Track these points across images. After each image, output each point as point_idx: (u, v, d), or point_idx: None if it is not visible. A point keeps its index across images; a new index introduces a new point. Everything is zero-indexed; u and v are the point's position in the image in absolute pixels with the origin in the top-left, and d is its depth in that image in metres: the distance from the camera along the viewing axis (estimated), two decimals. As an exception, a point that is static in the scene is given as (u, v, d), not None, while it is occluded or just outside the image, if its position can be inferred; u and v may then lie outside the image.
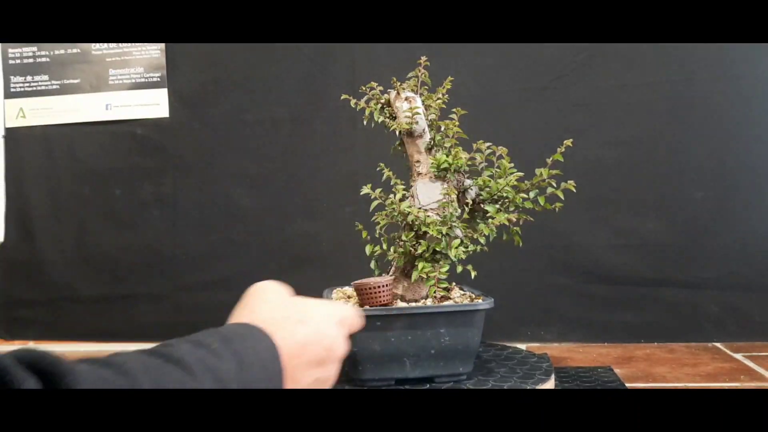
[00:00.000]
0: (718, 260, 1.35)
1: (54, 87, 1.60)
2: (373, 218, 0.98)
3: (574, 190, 0.92)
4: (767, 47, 1.34)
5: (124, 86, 1.57)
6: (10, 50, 1.61)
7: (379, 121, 1.00)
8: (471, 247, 0.93)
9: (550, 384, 0.90)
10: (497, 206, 0.95)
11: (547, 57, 1.40)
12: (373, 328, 0.85)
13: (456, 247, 0.91)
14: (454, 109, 0.98)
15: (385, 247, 0.99)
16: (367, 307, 0.89)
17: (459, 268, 0.92)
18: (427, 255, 0.92)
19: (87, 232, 1.55)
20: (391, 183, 0.99)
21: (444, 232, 0.91)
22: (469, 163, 0.96)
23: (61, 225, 1.58)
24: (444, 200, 0.94)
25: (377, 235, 1.00)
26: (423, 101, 1.00)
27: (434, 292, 0.91)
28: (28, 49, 1.60)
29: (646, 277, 1.38)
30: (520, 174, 0.95)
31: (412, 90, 1.01)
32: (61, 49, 1.59)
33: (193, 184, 1.52)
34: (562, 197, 0.93)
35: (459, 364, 0.88)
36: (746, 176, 1.35)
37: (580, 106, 1.40)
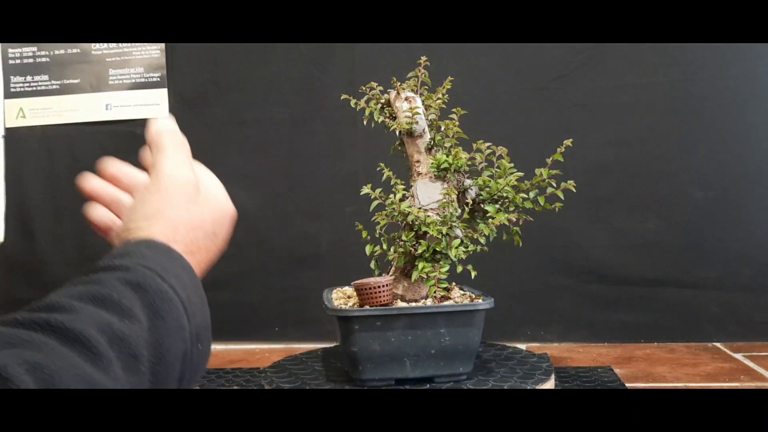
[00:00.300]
0: (718, 260, 1.35)
1: (54, 87, 1.60)
2: (373, 218, 0.98)
3: (574, 190, 0.93)
4: (767, 47, 1.34)
5: (124, 86, 1.57)
6: (10, 50, 1.61)
7: (379, 121, 1.00)
8: (471, 247, 0.93)
9: (550, 384, 0.90)
10: (497, 206, 0.95)
11: (547, 57, 1.40)
12: (373, 328, 0.85)
13: (456, 247, 0.91)
14: (454, 109, 0.98)
15: (385, 247, 0.99)
16: (367, 307, 0.89)
17: (459, 268, 0.92)
18: (427, 255, 0.92)
19: (87, 232, 1.55)
20: (391, 183, 0.99)
21: (444, 232, 0.91)
22: (469, 163, 0.96)
23: (61, 225, 1.57)
24: (444, 200, 0.94)
25: (377, 235, 1.00)
26: (423, 101, 1.00)
27: (434, 292, 0.91)
28: (28, 49, 1.60)
29: (646, 277, 1.38)
30: (520, 174, 0.95)
31: (412, 90, 1.01)
32: (61, 49, 1.60)
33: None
34: (562, 197, 0.94)
35: (459, 364, 0.88)
36: (746, 176, 1.35)
37: (580, 106, 1.40)
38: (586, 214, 1.38)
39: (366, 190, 0.99)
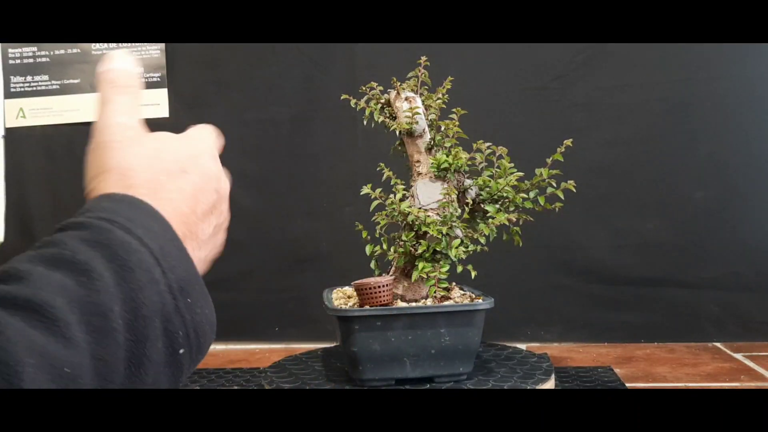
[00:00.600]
0: (718, 260, 1.35)
1: (54, 87, 1.60)
2: (373, 218, 0.98)
3: (574, 190, 0.93)
4: (767, 47, 1.34)
5: (124, 86, 1.57)
6: (10, 50, 1.61)
7: (379, 121, 1.00)
8: (471, 247, 0.93)
9: (550, 384, 0.90)
10: (497, 206, 0.95)
11: (547, 57, 1.40)
12: (373, 328, 0.85)
13: (456, 247, 0.91)
14: (454, 109, 0.98)
15: (385, 247, 0.99)
16: (367, 307, 0.89)
17: (459, 268, 0.92)
18: (427, 255, 0.92)
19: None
20: (391, 183, 0.99)
21: (444, 232, 0.91)
22: (469, 163, 0.96)
23: (61, 225, 1.57)
24: (444, 200, 0.94)
25: (377, 235, 1.00)
26: (423, 101, 1.00)
27: (434, 292, 0.91)
28: (28, 49, 1.60)
29: (646, 277, 1.38)
30: (520, 174, 0.95)
31: (412, 90, 1.01)
32: (61, 49, 1.60)
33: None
34: (562, 197, 0.94)
35: (459, 364, 0.88)
36: (747, 176, 1.35)
37: (580, 106, 1.40)
38: (586, 214, 1.38)
39: (366, 190, 0.99)
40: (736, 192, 1.36)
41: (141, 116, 0.44)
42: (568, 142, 0.93)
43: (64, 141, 1.58)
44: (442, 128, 0.98)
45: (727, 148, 1.36)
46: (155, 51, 1.56)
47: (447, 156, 0.95)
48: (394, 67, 1.08)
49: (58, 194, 1.58)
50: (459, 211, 0.94)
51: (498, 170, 0.97)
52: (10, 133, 1.61)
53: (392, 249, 0.97)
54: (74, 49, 1.59)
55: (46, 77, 1.60)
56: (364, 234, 1.01)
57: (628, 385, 1.05)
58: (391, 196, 0.96)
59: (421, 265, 0.91)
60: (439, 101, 0.99)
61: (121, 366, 0.32)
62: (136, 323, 0.33)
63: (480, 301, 0.90)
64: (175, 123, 1.51)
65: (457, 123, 0.97)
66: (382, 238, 0.99)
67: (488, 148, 0.97)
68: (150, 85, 1.56)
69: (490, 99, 1.42)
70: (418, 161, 0.98)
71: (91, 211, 0.35)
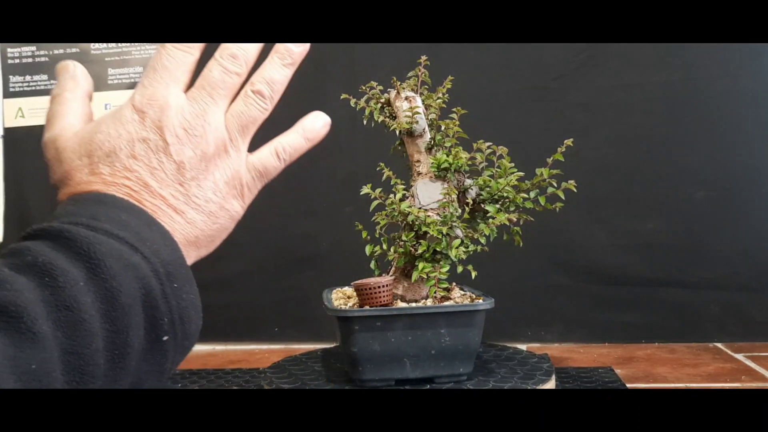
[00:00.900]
0: (718, 260, 1.35)
1: (53, 87, 1.60)
2: (373, 218, 0.98)
3: (575, 190, 0.92)
4: (767, 47, 1.34)
5: (124, 86, 1.57)
6: (9, 50, 1.61)
7: (379, 120, 1.00)
8: (471, 247, 0.93)
9: (550, 384, 0.90)
10: (498, 206, 0.95)
11: (547, 57, 1.40)
12: (373, 328, 0.85)
13: (456, 247, 0.91)
14: (454, 109, 0.98)
15: (385, 247, 0.99)
16: (367, 307, 0.89)
17: (459, 268, 0.92)
18: (427, 255, 0.92)
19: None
20: (391, 183, 0.99)
21: (444, 232, 0.91)
22: (470, 162, 0.96)
23: (60, 225, 1.57)
24: (444, 200, 0.94)
25: (377, 235, 0.99)
26: (423, 101, 1.00)
27: (434, 293, 0.91)
28: (27, 49, 1.60)
29: (647, 277, 1.37)
30: (521, 174, 0.95)
31: (412, 90, 1.01)
32: (60, 49, 1.59)
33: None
34: (562, 197, 0.93)
35: (459, 364, 0.88)
36: (747, 176, 1.35)
37: (580, 106, 1.40)
38: (586, 214, 1.38)
39: (366, 190, 0.99)
40: (736, 192, 1.35)
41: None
42: (568, 141, 0.93)
43: (64, 141, 1.58)
44: (442, 128, 0.98)
45: (727, 148, 1.36)
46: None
47: (447, 156, 0.94)
48: (394, 67, 1.08)
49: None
50: (459, 211, 0.94)
51: (498, 170, 0.97)
52: (9, 132, 1.61)
53: (392, 249, 0.96)
54: (73, 49, 1.59)
55: (45, 77, 1.60)
56: (364, 234, 1.01)
57: (628, 385, 1.05)
58: (391, 196, 0.96)
59: (421, 265, 0.91)
60: (439, 101, 0.99)
61: (99, 357, 0.31)
62: (114, 313, 0.32)
63: (480, 301, 0.90)
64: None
65: (457, 123, 0.97)
66: (382, 238, 0.99)
67: (488, 147, 0.97)
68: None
69: (490, 99, 1.42)
70: (418, 161, 0.98)
71: (57, 218, 0.37)
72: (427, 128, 0.98)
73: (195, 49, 0.44)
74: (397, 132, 0.99)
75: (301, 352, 1.13)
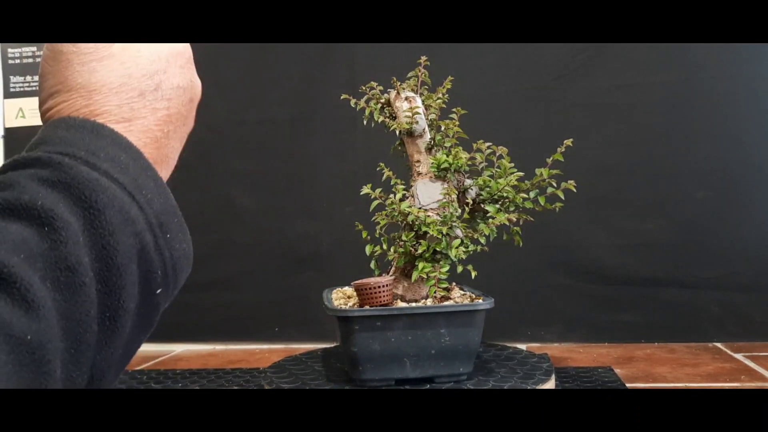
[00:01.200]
0: (718, 260, 1.35)
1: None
2: (373, 218, 0.98)
3: (575, 190, 0.93)
4: (767, 47, 1.34)
5: (124, 86, 1.57)
6: (9, 50, 1.61)
7: (379, 121, 1.00)
8: (471, 247, 0.93)
9: (550, 384, 0.90)
10: (497, 206, 0.95)
11: (547, 57, 1.40)
12: (373, 328, 0.85)
13: (456, 247, 0.91)
14: (454, 109, 0.98)
15: (385, 247, 0.99)
16: (367, 307, 0.89)
17: (459, 268, 0.92)
18: (427, 255, 0.92)
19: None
20: (391, 183, 0.99)
21: (444, 232, 0.91)
22: (469, 163, 0.96)
23: (61, 225, 1.57)
24: (444, 200, 0.94)
25: (377, 235, 1.00)
26: (423, 101, 1.00)
27: (434, 292, 0.91)
28: (28, 49, 1.60)
29: (647, 277, 1.37)
30: (521, 174, 0.95)
31: (412, 90, 1.01)
32: (60, 49, 1.59)
33: (193, 184, 1.52)
34: (562, 197, 0.93)
35: (459, 364, 0.88)
36: (747, 176, 1.35)
37: (580, 106, 1.40)
38: (586, 214, 1.38)
39: (366, 190, 0.99)
40: (736, 192, 1.35)
41: None
42: (568, 141, 0.93)
43: (64, 141, 1.58)
44: (442, 128, 0.98)
45: (728, 148, 1.36)
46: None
47: (447, 156, 0.94)
48: (394, 67, 1.08)
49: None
50: (459, 211, 0.94)
51: (498, 170, 0.97)
52: (9, 133, 1.61)
53: (392, 249, 0.97)
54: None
55: (45, 77, 1.60)
56: (364, 234, 1.01)
57: (628, 385, 1.05)
58: (391, 196, 0.96)
59: (421, 265, 0.91)
60: (439, 101, 0.99)
61: (94, 323, 0.28)
62: (108, 273, 0.29)
63: (480, 301, 0.90)
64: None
65: (457, 123, 0.97)
66: (382, 238, 0.99)
67: (488, 148, 0.97)
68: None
69: (490, 99, 1.42)
70: (418, 161, 0.98)
71: (48, 144, 0.31)
72: (427, 128, 0.98)
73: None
74: (397, 132, 0.99)
75: (301, 352, 1.13)
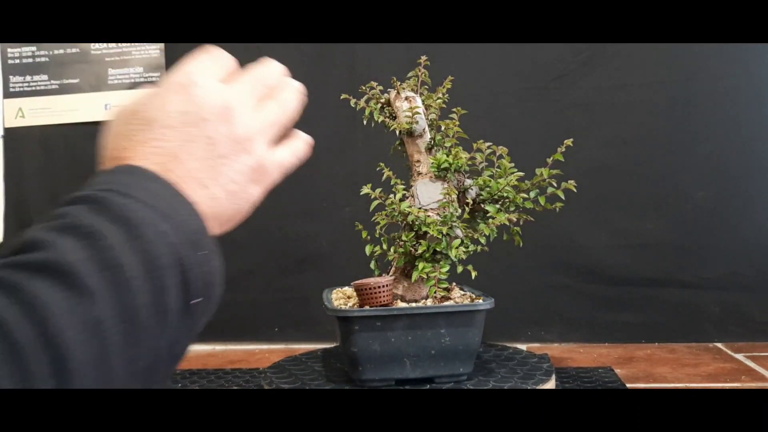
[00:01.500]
0: (718, 260, 1.35)
1: (53, 87, 1.60)
2: (373, 218, 0.98)
3: (575, 190, 0.92)
4: (767, 47, 1.34)
5: (124, 86, 1.57)
6: (9, 50, 1.61)
7: (379, 120, 1.00)
8: (471, 247, 0.93)
9: (550, 384, 0.90)
10: (497, 206, 0.95)
11: (547, 57, 1.40)
12: (373, 328, 0.85)
13: (456, 247, 0.91)
14: (454, 109, 0.98)
15: (385, 247, 0.99)
16: (367, 307, 0.89)
17: (459, 268, 0.92)
18: (427, 255, 0.92)
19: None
20: (391, 183, 0.99)
21: (444, 232, 0.91)
22: (470, 163, 0.96)
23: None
24: (444, 200, 0.94)
25: (377, 236, 0.99)
26: (423, 101, 1.00)
27: (434, 293, 0.91)
28: (28, 49, 1.60)
29: (647, 277, 1.37)
30: (521, 174, 0.95)
31: (412, 90, 1.01)
32: (60, 49, 1.59)
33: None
34: (562, 197, 0.93)
35: (459, 364, 0.88)
36: (747, 176, 1.35)
37: (580, 106, 1.40)
38: (586, 214, 1.38)
39: (366, 190, 0.99)
40: (736, 192, 1.35)
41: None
42: (568, 142, 0.93)
43: (64, 141, 1.58)
44: (442, 128, 0.98)
45: (728, 148, 1.36)
46: (155, 51, 1.56)
47: (447, 156, 0.94)
48: (394, 67, 1.08)
49: (58, 194, 1.58)
50: (459, 211, 0.94)
51: (498, 170, 0.97)
52: (9, 132, 1.61)
53: (392, 249, 0.96)
54: (73, 48, 1.59)
55: (45, 77, 1.60)
56: (364, 234, 1.01)
57: (628, 385, 1.05)
58: (391, 196, 0.96)
59: (421, 265, 0.91)
60: (439, 101, 0.99)
61: (143, 318, 0.33)
62: (153, 273, 0.33)
63: (480, 301, 0.90)
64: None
65: (457, 123, 0.97)
66: (382, 238, 0.99)
67: (488, 148, 0.97)
68: (150, 85, 1.56)
69: (490, 99, 1.42)
70: (418, 161, 0.98)
71: (90, 186, 0.37)
72: (427, 128, 0.98)
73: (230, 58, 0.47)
74: (397, 132, 0.99)
75: (301, 352, 1.13)
